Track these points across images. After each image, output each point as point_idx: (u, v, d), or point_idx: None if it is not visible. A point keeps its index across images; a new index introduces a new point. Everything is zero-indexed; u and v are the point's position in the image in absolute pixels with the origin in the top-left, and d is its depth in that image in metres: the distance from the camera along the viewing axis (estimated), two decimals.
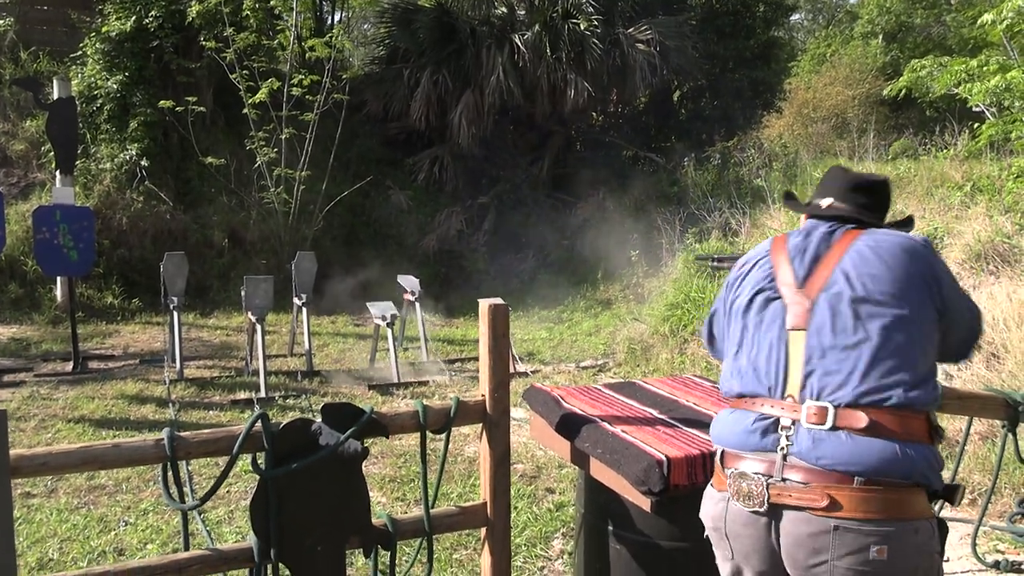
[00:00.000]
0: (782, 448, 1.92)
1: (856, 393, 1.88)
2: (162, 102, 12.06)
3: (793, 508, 1.88)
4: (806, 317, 1.99)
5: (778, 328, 2.04)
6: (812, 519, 1.85)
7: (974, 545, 3.75)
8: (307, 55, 12.94)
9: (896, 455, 1.84)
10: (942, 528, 1.99)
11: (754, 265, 2.21)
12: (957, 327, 2.07)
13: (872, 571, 1.83)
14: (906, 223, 2.29)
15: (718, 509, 2.06)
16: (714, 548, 2.14)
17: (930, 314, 1.98)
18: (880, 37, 16.53)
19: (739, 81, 15.89)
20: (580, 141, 16.84)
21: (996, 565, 3.70)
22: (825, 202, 2.23)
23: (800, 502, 1.87)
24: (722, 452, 2.07)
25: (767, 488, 1.91)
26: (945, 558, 3.81)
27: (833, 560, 1.85)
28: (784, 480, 1.90)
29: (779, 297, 2.07)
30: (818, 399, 1.91)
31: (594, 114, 17.23)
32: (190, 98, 12.02)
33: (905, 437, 1.85)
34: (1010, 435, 3.35)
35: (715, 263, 2.92)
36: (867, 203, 2.20)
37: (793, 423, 1.92)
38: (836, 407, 1.88)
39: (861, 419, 1.86)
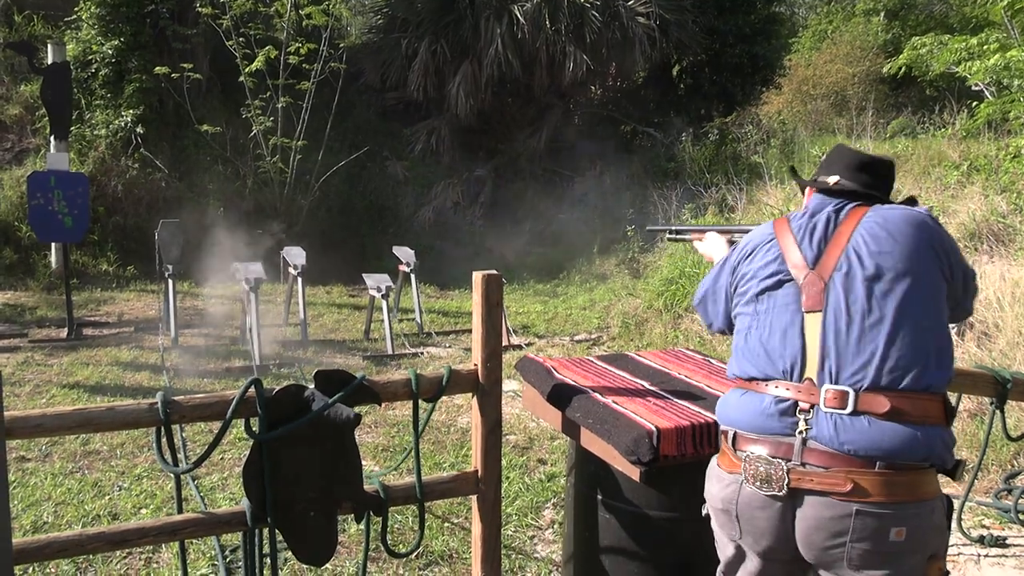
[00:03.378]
0: (801, 432, 1.90)
1: (875, 376, 1.87)
2: (158, 68, 11.98)
3: (815, 493, 1.87)
4: (821, 298, 1.97)
5: (792, 310, 2.01)
6: (834, 503, 1.85)
7: (959, 520, 3.79)
8: (304, 23, 12.83)
9: (916, 439, 1.83)
10: (949, 504, 2.01)
11: (757, 248, 2.19)
12: (963, 294, 2.09)
13: (889, 551, 1.85)
14: (909, 203, 2.26)
15: (729, 491, 2.04)
16: (716, 527, 2.14)
17: (940, 285, 1.99)
18: (882, 14, 16.39)
19: (739, 56, 15.78)
20: (578, 115, 16.77)
21: (981, 540, 3.74)
22: (832, 179, 2.21)
23: (822, 487, 1.86)
24: (734, 434, 2.04)
25: (787, 472, 1.89)
26: None
27: (851, 542, 1.85)
28: (804, 464, 1.88)
29: (791, 279, 2.05)
30: (836, 383, 1.89)
31: (593, 87, 17.14)
32: (186, 65, 11.94)
33: (923, 420, 1.85)
34: (998, 412, 3.38)
35: (672, 235, 2.85)
36: (872, 182, 2.19)
37: (812, 407, 1.91)
38: (857, 391, 1.87)
39: (883, 403, 1.85)
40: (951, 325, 2.25)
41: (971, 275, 2.14)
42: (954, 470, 1.99)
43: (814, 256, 2.04)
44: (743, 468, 1.98)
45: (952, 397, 4.03)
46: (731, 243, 2.75)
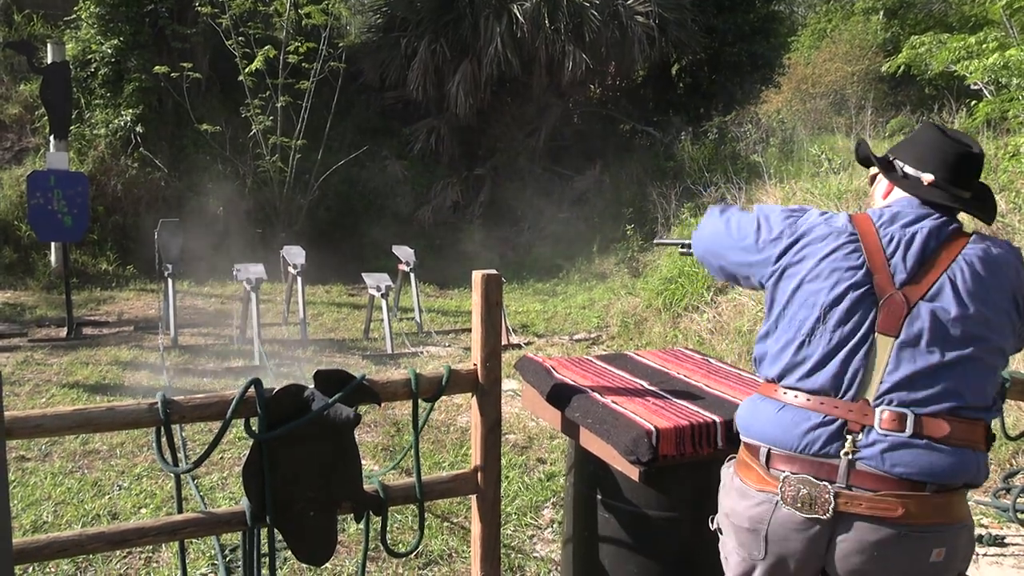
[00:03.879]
0: (847, 453, 1.82)
1: (935, 401, 1.80)
2: (157, 68, 11.98)
3: (863, 516, 1.81)
4: (899, 323, 1.85)
5: (865, 329, 1.87)
6: (881, 527, 1.79)
7: None
8: (303, 22, 12.83)
9: (966, 463, 1.80)
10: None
11: (829, 238, 1.98)
12: None
13: (928, 571, 1.82)
14: (993, 200, 2.10)
15: (760, 511, 1.92)
16: (734, 544, 2.02)
17: (1014, 335, 1.93)
18: (881, 13, 16.43)
19: (738, 55, 15.78)
20: (577, 114, 16.77)
21: (979, 539, 3.75)
22: (926, 177, 1.99)
23: (873, 511, 1.79)
24: (768, 452, 1.93)
25: (834, 496, 1.81)
26: None
27: (893, 565, 1.82)
28: (851, 487, 1.81)
29: (873, 295, 1.88)
30: (893, 404, 1.82)
31: (592, 87, 17.13)
32: (185, 64, 11.94)
33: (972, 445, 1.82)
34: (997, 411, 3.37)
35: (684, 250, 2.82)
36: (970, 184, 1.99)
37: (863, 428, 1.82)
38: (917, 415, 1.80)
39: (943, 428, 1.79)
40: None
41: None
42: None
43: (906, 276, 1.89)
44: (780, 489, 1.88)
45: None
46: None
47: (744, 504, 1.97)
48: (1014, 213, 6.82)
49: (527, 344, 8.33)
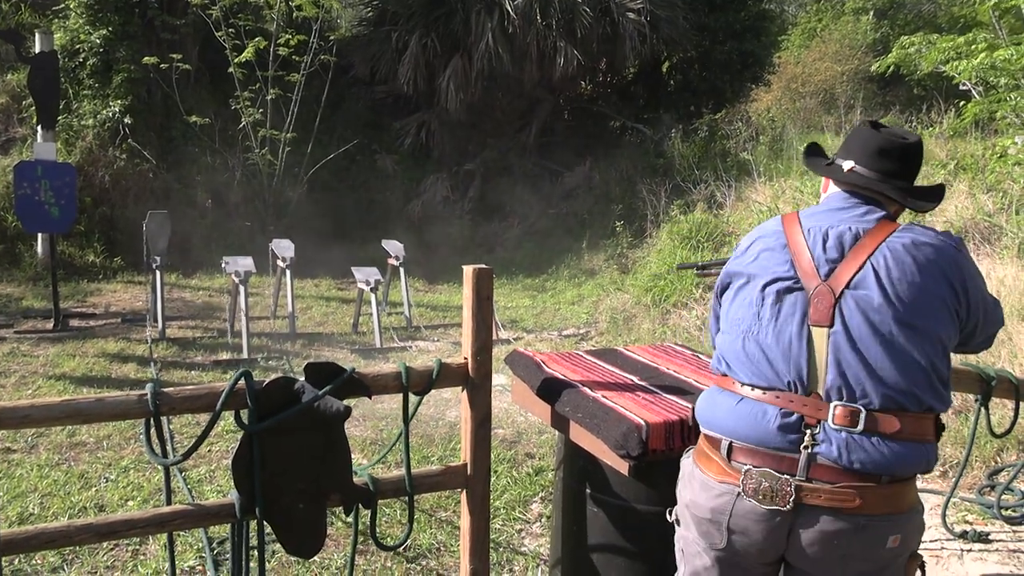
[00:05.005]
0: (806, 447, 1.87)
1: (884, 398, 1.85)
2: (146, 59, 11.91)
3: (822, 508, 1.86)
4: (829, 314, 1.90)
5: (798, 321, 1.93)
6: (839, 518, 1.85)
7: (944, 516, 3.83)
8: (294, 14, 12.78)
9: (917, 455, 1.87)
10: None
11: (763, 247, 2.07)
12: (979, 327, 2.02)
13: (885, 558, 1.89)
14: (936, 192, 2.14)
15: (721, 502, 1.97)
16: (694, 535, 2.06)
17: (953, 322, 1.92)
18: (871, 13, 16.47)
19: (728, 54, 15.80)
20: (568, 110, 16.77)
21: (964, 535, 3.78)
22: (847, 164, 2.08)
23: (832, 503, 1.85)
24: (730, 444, 1.98)
25: (795, 488, 1.86)
26: None
27: (851, 554, 1.87)
28: (811, 480, 1.86)
29: (800, 288, 1.95)
30: (844, 400, 1.87)
31: (583, 83, 17.12)
32: (175, 55, 11.87)
33: (922, 438, 1.88)
34: (983, 409, 3.41)
35: (700, 271, 2.84)
36: (895, 170, 2.05)
37: (819, 422, 1.87)
38: (868, 411, 1.85)
39: (893, 424, 1.84)
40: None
41: (994, 308, 2.07)
42: None
43: (828, 267, 1.94)
44: (742, 481, 1.92)
45: None
46: None
47: (705, 496, 2.01)
48: (1001, 213, 6.87)
49: (516, 339, 8.33)
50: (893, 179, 2.05)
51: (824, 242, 1.97)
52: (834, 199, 2.09)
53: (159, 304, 8.01)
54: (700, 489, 2.03)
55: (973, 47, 7.54)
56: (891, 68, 9.76)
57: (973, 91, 8.51)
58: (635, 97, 17.20)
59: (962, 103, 8.71)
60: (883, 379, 1.85)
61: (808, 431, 1.88)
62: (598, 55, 15.30)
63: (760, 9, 16.94)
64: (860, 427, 1.84)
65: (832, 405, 1.87)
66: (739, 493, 1.93)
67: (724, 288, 2.17)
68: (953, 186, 7.78)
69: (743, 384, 1.99)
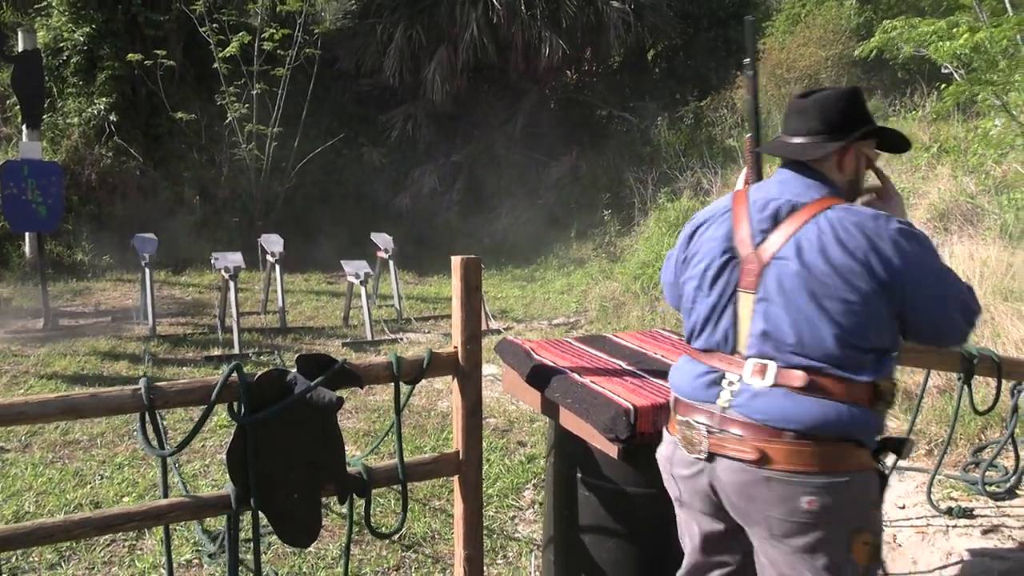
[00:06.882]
0: (723, 401, 1.99)
1: (796, 357, 1.92)
2: (130, 55, 11.86)
3: (729, 458, 1.97)
4: (755, 281, 2.00)
5: (732, 288, 2.05)
6: (745, 469, 1.94)
7: (929, 493, 3.90)
8: (278, 8, 12.74)
9: (829, 414, 1.88)
10: (881, 481, 2.02)
11: (710, 220, 2.20)
12: (926, 311, 1.96)
13: (804, 521, 1.90)
14: (875, 132, 2.15)
15: (668, 450, 2.19)
16: (666, 486, 2.26)
17: (876, 296, 1.91)
18: None
19: (713, 40, 15.84)
20: (554, 100, 16.77)
21: (949, 511, 3.85)
22: (777, 138, 2.18)
23: (736, 453, 1.95)
24: (675, 399, 2.17)
25: (707, 438, 2.00)
26: (901, 505, 3.97)
27: (767, 510, 1.94)
28: (722, 431, 1.98)
29: (737, 256, 2.06)
30: (761, 357, 1.97)
31: (568, 72, 17.13)
32: (159, 52, 11.83)
33: (843, 399, 1.89)
34: (966, 387, 3.47)
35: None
36: (797, 127, 2.11)
37: (739, 379, 1.99)
38: (779, 366, 1.94)
39: (799, 378, 1.91)
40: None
41: (952, 294, 1.99)
42: (899, 447, 2.05)
43: (761, 237, 2.03)
44: (679, 431, 2.11)
45: (920, 374, 4.13)
46: None
47: (663, 448, 2.24)
48: (983, 195, 6.93)
49: (506, 329, 8.37)
50: (796, 136, 2.12)
51: (761, 212, 2.07)
52: (780, 173, 2.16)
53: (149, 301, 8.00)
54: (663, 444, 2.25)
55: (954, 30, 7.58)
56: (874, 52, 9.79)
57: (955, 74, 8.56)
58: (621, 86, 17.20)
59: (944, 86, 8.76)
60: (796, 341, 1.93)
61: (728, 387, 2.01)
62: (583, 44, 15.32)
63: None
64: (769, 382, 1.95)
65: (749, 361, 1.99)
66: (676, 442, 2.13)
67: (684, 260, 2.28)
68: (936, 168, 7.86)
69: (691, 347, 2.17)
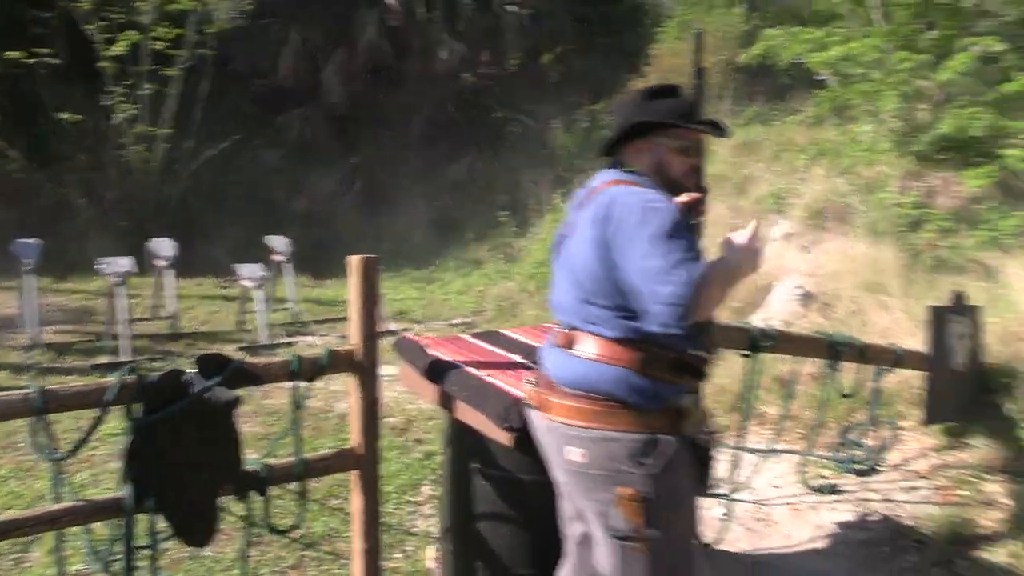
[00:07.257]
0: (543, 362, 2.35)
1: (572, 318, 2.22)
2: (9, 53, 11.34)
3: (534, 408, 2.30)
4: (557, 254, 2.36)
5: (556, 264, 2.37)
6: (540, 417, 2.27)
7: (803, 473, 4.18)
8: (168, 6, 12.41)
9: (589, 372, 2.13)
10: (652, 445, 2.07)
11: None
12: (637, 286, 2.01)
13: (575, 470, 2.17)
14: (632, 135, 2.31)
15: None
16: None
17: (605, 267, 2.08)
18: (743, 5, 17.11)
19: (607, 45, 16.21)
20: (452, 102, 16.84)
21: (820, 489, 4.15)
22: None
23: (535, 402, 2.29)
24: None
25: (528, 391, 2.39)
26: (777, 484, 4.23)
27: (552, 455, 2.26)
28: (536, 385, 2.33)
29: (561, 237, 2.37)
30: (558, 323, 2.31)
31: (466, 75, 17.23)
32: (42, 50, 11.35)
33: (605, 359, 2.12)
34: (835, 373, 3.74)
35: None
36: (616, 123, 2.37)
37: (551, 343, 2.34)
38: (562, 328, 2.27)
39: (568, 338, 2.21)
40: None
41: (655, 274, 1.95)
42: (680, 416, 2.13)
43: (571, 218, 2.34)
44: None
45: (787, 360, 4.42)
46: None
47: None
48: (855, 195, 7.39)
49: (404, 331, 8.39)
50: (620, 131, 2.32)
51: (577, 198, 2.35)
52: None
53: (32, 309, 7.70)
54: None
55: (829, 40, 8.04)
56: (757, 58, 10.23)
57: (829, 81, 9.05)
58: (517, 88, 17.41)
59: (820, 92, 9.24)
60: (563, 308, 2.27)
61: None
62: (480, 48, 15.46)
63: (635, 1, 17.41)
64: (555, 341, 2.29)
65: (556, 327, 2.34)
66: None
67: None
68: (812, 170, 8.30)
69: None
